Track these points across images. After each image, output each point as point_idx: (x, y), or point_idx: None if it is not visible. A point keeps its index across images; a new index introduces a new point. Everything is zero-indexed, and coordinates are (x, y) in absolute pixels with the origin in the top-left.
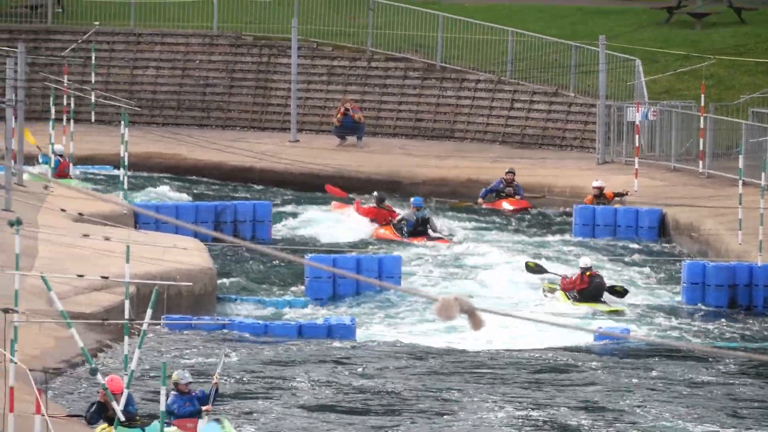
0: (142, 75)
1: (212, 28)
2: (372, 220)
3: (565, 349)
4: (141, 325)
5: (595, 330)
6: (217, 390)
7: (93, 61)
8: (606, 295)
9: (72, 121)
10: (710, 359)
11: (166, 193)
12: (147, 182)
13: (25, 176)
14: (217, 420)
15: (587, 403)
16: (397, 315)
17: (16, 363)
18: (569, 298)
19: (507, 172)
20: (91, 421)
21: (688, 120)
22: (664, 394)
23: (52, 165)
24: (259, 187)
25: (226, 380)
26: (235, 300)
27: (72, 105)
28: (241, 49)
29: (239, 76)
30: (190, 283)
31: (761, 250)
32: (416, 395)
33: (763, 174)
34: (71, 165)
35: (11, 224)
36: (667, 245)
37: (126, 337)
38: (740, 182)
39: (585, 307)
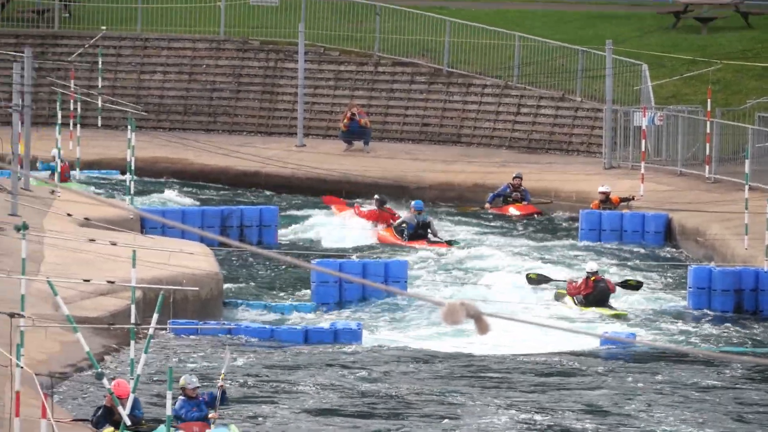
0: (149, 80)
1: (219, 33)
2: (374, 223)
3: (571, 353)
4: (147, 329)
5: (602, 334)
6: (223, 394)
7: (100, 66)
8: (612, 297)
9: (78, 125)
10: (716, 364)
11: (172, 197)
12: (153, 187)
13: (31, 181)
14: (225, 425)
15: (593, 407)
16: (403, 319)
17: (22, 367)
18: (576, 303)
19: (514, 177)
20: (98, 425)
21: (694, 125)
22: (669, 399)
23: (59, 169)
24: (269, 193)
25: (231, 383)
26: (242, 305)
27: (79, 110)
28: (247, 53)
29: (246, 80)
30: (197, 288)
31: (767, 255)
32: (422, 399)
33: None
34: (78, 169)
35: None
36: (673, 250)
37: (132, 342)
38: (746, 187)
39: (589, 312)
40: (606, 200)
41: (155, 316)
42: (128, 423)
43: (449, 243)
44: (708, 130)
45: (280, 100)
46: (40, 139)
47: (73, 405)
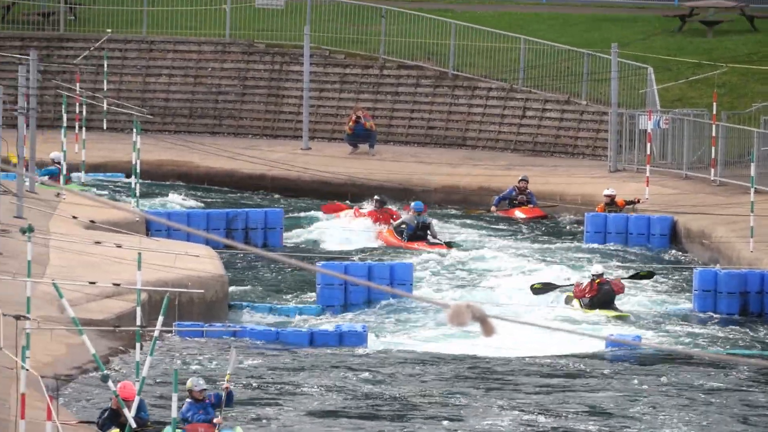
0: (155, 82)
1: (225, 36)
2: (375, 223)
3: (576, 355)
4: (152, 331)
5: (607, 337)
6: (229, 395)
7: (105, 69)
8: (618, 299)
9: (84, 128)
10: (722, 366)
11: (177, 201)
12: (159, 190)
13: (37, 183)
14: (231, 428)
15: (598, 409)
16: (409, 321)
17: (27, 370)
18: (582, 305)
19: (520, 180)
20: (103, 427)
21: (700, 128)
22: (675, 401)
23: (65, 172)
24: (277, 195)
25: (236, 385)
26: (247, 307)
27: (84, 112)
28: (253, 56)
29: (251, 83)
30: (202, 290)
31: None
32: (427, 401)
33: None
34: (83, 172)
35: (23, 231)
36: (678, 253)
37: (138, 344)
38: (752, 190)
39: (593, 314)
40: (611, 203)
41: (160, 318)
42: (134, 425)
43: (449, 244)
44: (713, 134)
45: (285, 103)
46: (46, 142)
47: (78, 407)
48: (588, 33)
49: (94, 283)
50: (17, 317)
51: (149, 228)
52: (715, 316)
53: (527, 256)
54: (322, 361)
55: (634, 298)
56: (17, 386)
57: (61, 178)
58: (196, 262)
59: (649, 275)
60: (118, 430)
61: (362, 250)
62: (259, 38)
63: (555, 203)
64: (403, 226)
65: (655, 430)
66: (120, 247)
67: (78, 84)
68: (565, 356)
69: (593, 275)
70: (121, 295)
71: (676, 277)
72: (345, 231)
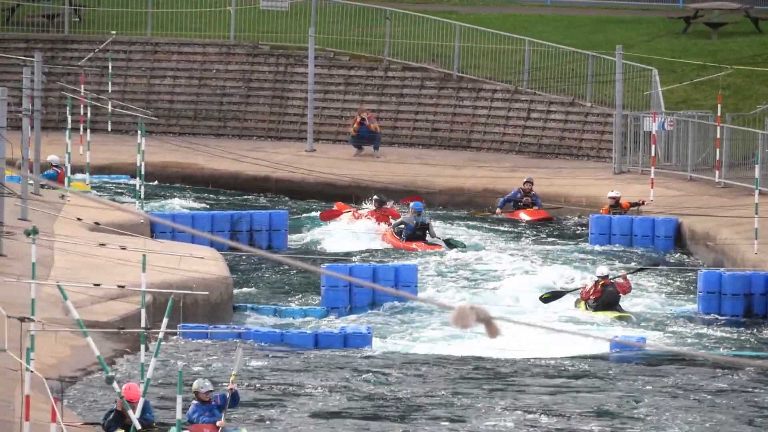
0: (159, 84)
1: (229, 38)
2: (379, 223)
3: (581, 357)
4: (157, 333)
5: (611, 338)
6: (234, 396)
7: (110, 71)
8: (624, 299)
9: (88, 130)
10: (726, 368)
11: (180, 204)
12: (164, 191)
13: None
14: (236, 429)
15: (602, 410)
16: (413, 323)
17: (32, 371)
18: (588, 308)
19: (525, 182)
20: (108, 429)
21: (704, 130)
22: (679, 403)
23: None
24: (285, 198)
25: (240, 386)
26: (252, 309)
27: (89, 114)
28: (258, 58)
29: (256, 85)
30: (207, 292)
31: None
32: (432, 402)
33: None
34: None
35: (27, 233)
36: (683, 255)
37: (142, 346)
38: (756, 192)
39: (597, 316)
40: (616, 205)
41: (165, 320)
42: (138, 427)
43: (448, 242)
44: (718, 135)
45: (290, 105)
46: (50, 143)
47: (83, 409)
48: (592, 35)
49: (98, 285)
50: (22, 319)
51: (154, 230)
52: (719, 317)
53: (532, 258)
54: (327, 362)
55: (638, 300)
56: (22, 388)
57: (66, 180)
58: (201, 263)
59: (654, 264)
60: (123, 431)
61: (366, 252)
62: (264, 40)
63: (560, 205)
64: (402, 226)
65: (659, 431)
66: (124, 248)
67: (83, 86)
68: (570, 357)
69: (598, 276)
70: (126, 297)
71: (681, 279)
72: (348, 233)
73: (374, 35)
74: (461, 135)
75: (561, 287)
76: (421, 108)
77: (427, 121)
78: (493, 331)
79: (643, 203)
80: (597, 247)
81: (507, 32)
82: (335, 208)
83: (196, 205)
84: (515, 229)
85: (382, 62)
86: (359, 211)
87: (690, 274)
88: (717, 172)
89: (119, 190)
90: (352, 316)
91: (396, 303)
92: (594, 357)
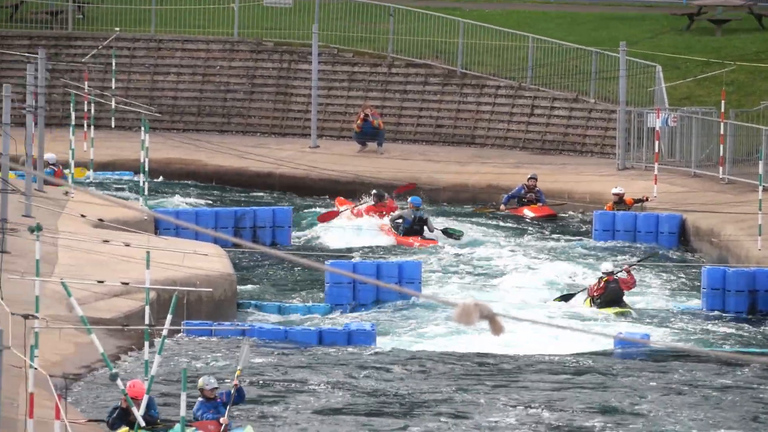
0: (163, 81)
1: (233, 34)
2: (380, 218)
3: (585, 353)
4: (161, 330)
5: (616, 335)
6: (239, 392)
7: (113, 67)
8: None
9: (92, 127)
10: (731, 364)
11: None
12: (167, 188)
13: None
14: (241, 427)
15: (606, 407)
16: (417, 319)
17: (36, 369)
18: (593, 304)
19: (529, 178)
20: (113, 426)
21: (708, 126)
22: (683, 399)
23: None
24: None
25: (244, 383)
26: (255, 306)
27: (92, 111)
28: (261, 55)
29: (260, 82)
30: (210, 289)
31: None
32: (436, 399)
33: None
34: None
35: (31, 230)
36: (687, 251)
37: (146, 343)
38: (760, 188)
39: (599, 312)
40: (620, 201)
41: (169, 317)
42: (142, 423)
43: (446, 231)
44: (722, 132)
45: (293, 102)
46: (54, 140)
47: (87, 406)
48: (596, 31)
49: (102, 281)
50: (26, 316)
51: (158, 226)
52: (723, 314)
53: (535, 255)
54: (331, 359)
55: (643, 297)
56: (26, 385)
57: (70, 177)
58: (205, 260)
59: (655, 255)
60: (127, 428)
61: (367, 248)
62: (268, 36)
63: (563, 201)
64: (400, 220)
65: (663, 427)
66: (128, 245)
67: (86, 82)
68: (574, 354)
69: (602, 273)
70: (130, 293)
71: (685, 276)
72: (350, 229)
73: (378, 32)
74: (465, 131)
75: (567, 285)
76: (424, 104)
77: (430, 117)
78: (497, 328)
79: (646, 199)
80: (601, 244)
81: (510, 29)
82: (335, 208)
83: (199, 201)
84: (519, 226)
85: (386, 59)
86: (358, 207)
87: (694, 270)
88: (721, 169)
89: (121, 186)
90: (359, 312)
91: (400, 299)
92: (598, 353)
